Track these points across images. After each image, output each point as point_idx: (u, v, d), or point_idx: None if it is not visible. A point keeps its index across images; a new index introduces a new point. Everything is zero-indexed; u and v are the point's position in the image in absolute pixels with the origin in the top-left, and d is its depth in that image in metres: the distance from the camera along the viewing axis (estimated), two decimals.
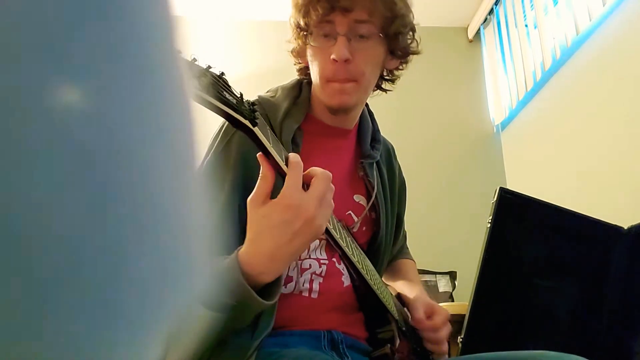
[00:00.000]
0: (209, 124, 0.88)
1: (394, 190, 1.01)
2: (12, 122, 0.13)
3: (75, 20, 0.14)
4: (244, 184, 0.78)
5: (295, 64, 0.98)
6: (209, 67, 0.52)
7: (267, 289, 0.65)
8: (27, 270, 0.13)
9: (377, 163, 0.98)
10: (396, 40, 0.90)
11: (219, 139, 0.83)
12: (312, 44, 0.87)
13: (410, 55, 0.95)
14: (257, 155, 0.62)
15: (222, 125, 0.85)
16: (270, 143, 0.61)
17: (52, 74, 0.13)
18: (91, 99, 0.14)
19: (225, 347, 0.71)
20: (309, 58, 0.89)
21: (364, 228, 0.92)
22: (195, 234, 0.19)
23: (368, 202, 0.92)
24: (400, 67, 0.97)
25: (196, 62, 0.50)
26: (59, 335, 0.14)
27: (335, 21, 0.83)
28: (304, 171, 0.63)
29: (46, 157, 0.13)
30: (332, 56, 0.83)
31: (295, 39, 0.91)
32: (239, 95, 0.57)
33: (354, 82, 0.85)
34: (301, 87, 0.94)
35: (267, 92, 0.93)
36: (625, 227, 1.16)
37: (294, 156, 0.63)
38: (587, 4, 1.84)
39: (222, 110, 0.54)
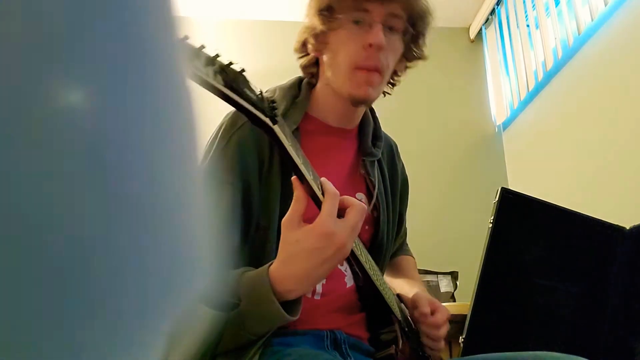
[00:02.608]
0: (209, 123, 0.88)
1: (396, 188, 1.01)
2: (17, 121, 0.13)
3: (78, 20, 0.14)
4: (243, 185, 0.79)
5: (299, 57, 0.94)
6: (231, 62, 0.52)
7: (288, 304, 0.67)
8: (29, 269, 0.13)
9: (379, 161, 0.97)
10: (416, 41, 0.90)
11: (218, 138, 0.83)
12: (341, 29, 0.84)
13: (416, 61, 0.95)
14: (292, 178, 0.64)
15: (221, 125, 0.85)
16: (289, 142, 0.62)
17: (56, 73, 0.13)
18: (95, 98, 0.14)
19: (227, 347, 0.71)
20: (334, 45, 0.86)
21: (366, 227, 0.92)
22: (200, 234, 0.19)
23: (370, 201, 0.92)
24: (401, 72, 0.96)
25: (218, 58, 0.50)
26: (61, 335, 0.14)
27: (371, 10, 0.82)
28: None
29: (50, 157, 0.13)
30: (369, 41, 0.81)
31: (320, 24, 0.85)
32: (259, 92, 0.57)
33: (379, 74, 0.84)
34: (300, 86, 0.93)
35: (266, 92, 0.92)
36: (628, 227, 1.16)
37: (329, 186, 0.64)
38: (588, 4, 1.84)
39: (243, 107, 0.54)
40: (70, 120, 0.14)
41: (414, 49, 0.92)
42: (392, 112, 2.61)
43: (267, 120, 0.58)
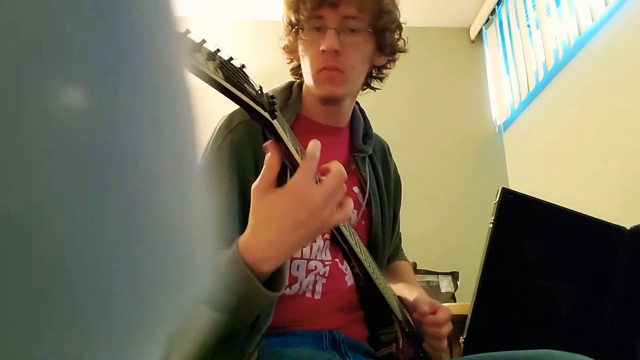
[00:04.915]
0: (209, 123, 0.89)
1: (389, 186, 1.03)
2: (13, 121, 0.13)
3: (78, 20, 0.14)
4: (239, 183, 0.79)
5: (288, 63, 1.00)
6: (231, 58, 0.54)
7: (270, 282, 0.63)
8: (28, 270, 0.13)
9: (371, 158, 0.99)
10: (383, 36, 0.92)
11: (212, 139, 0.85)
12: (303, 37, 0.89)
13: (398, 53, 0.97)
14: (268, 142, 0.62)
15: (216, 127, 0.87)
16: (287, 137, 0.62)
17: (53, 72, 0.13)
18: (93, 98, 0.14)
19: (225, 345, 0.71)
20: (301, 53, 0.91)
21: (363, 222, 0.93)
22: (198, 233, 0.19)
23: (363, 196, 0.93)
24: (388, 66, 0.99)
25: (219, 53, 0.51)
26: (60, 336, 0.14)
27: (325, 16, 0.86)
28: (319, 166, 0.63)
29: (47, 157, 0.13)
30: (321, 47, 0.84)
31: (287, 36, 0.93)
32: (258, 88, 0.58)
33: (340, 72, 0.86)
34: (292, 88, 0.96)
35: None
36: (628, 227, 1.16)
37: (311, 147, 0.62)
38: (589, 4, 1.84)
39: (243, 101, 0.55)
40: (67, 120, 0.14)
41: (385, 43, 0.94)
42: (392, 111, 2.62)
43: (266, 114, 0.59)
